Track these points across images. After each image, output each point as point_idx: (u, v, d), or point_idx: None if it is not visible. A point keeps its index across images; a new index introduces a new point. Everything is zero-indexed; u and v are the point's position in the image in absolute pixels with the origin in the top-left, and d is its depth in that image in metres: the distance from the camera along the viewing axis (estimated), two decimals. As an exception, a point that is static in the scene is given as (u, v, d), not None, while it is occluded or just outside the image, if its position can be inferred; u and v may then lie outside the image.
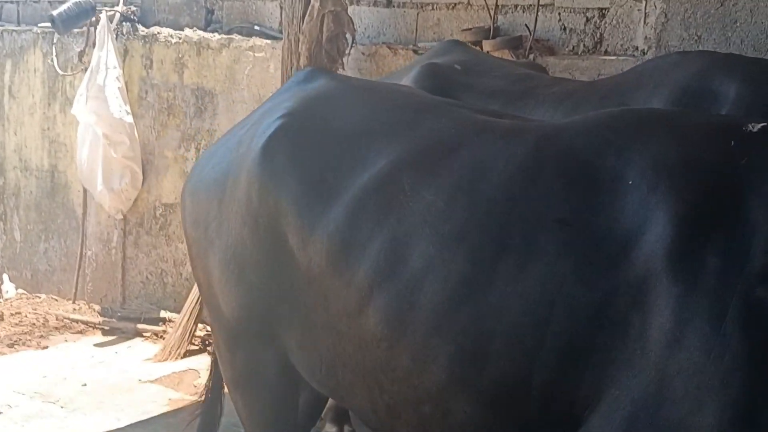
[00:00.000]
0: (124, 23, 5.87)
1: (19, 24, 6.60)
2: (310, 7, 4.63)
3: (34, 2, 6.58)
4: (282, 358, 2.43)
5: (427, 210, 2.04)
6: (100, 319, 5.91)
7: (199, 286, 2.59)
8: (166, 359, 5.28)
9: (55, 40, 6.05)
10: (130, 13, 5.89)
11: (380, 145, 2.19)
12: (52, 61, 6.06)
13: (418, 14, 4.98)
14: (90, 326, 5.85)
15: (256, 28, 5.54)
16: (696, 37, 3.99)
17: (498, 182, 2.00)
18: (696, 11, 3.98)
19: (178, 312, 5.70)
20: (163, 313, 5.85)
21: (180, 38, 5.67)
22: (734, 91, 2.69)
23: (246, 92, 5.41)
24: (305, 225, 2.21)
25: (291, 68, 4.74)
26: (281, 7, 4.81)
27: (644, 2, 4.17)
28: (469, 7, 4.78)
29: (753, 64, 2.89)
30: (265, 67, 5.31)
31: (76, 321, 5.89)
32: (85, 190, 6.03)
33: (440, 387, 2.02)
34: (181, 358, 5.31)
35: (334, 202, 2.17)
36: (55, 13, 5.57)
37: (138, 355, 5.38)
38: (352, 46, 4.77)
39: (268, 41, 5.34)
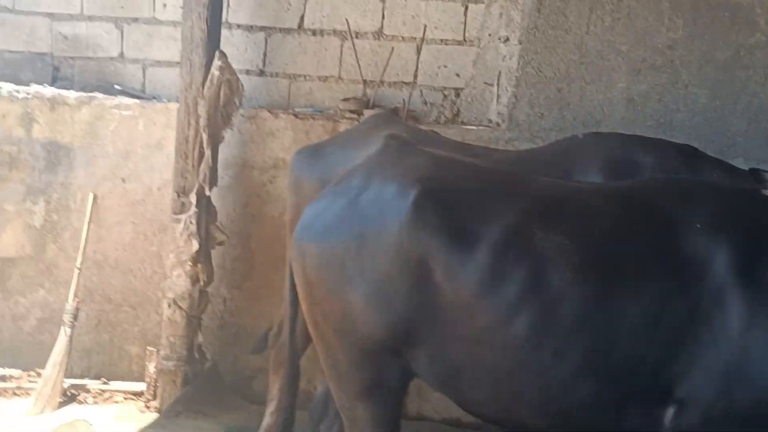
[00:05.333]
0: (-49, 76, 5.75)
1: None
2: (210, 75, 5.13)
3: None
4: (405, 369, 3.12)
5: (558, 247, 2.92)
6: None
7: (325, 316, 3.13)
8: (41, 412, 5.29)
9: None
10: (-42, 65, 5.78)
11: (504, 203, 3.02)
12: None
13: (290, 83, 5.70)
14: None
15: (117, 87, 5.80)
16: (539, 114, 5.26)
17: (606, 228, 2.96)
18: (539, 95, 5.26)
19: (18, 368, 5.71)
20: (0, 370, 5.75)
21: (28, 93, 5.71)
22: (650, 162, 3.90)
23: (110, 148, 5.65)
24: (454, 261, 2.95)
25: (188, 128, 5.20)
26: (181, 73, 5.21)
27: (496, 86, 5.37)
28: (340, 80, 5.63)
29: (655, 142, 4.14)
30: (133, 124, 5.62)
31: None
32: None
33: (572, 372, 2.90)
34: (54, 410, 5.35)
35: (479, 244, 2.95)
36: None
37: (6, 412, 5.29)
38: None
39: (137, 101, 5.66)
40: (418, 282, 3.00)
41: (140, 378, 5.53)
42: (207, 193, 5.21)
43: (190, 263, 5.17)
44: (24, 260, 5.77)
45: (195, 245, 5.14)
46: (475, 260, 2.95)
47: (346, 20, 5.56)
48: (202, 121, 5.16)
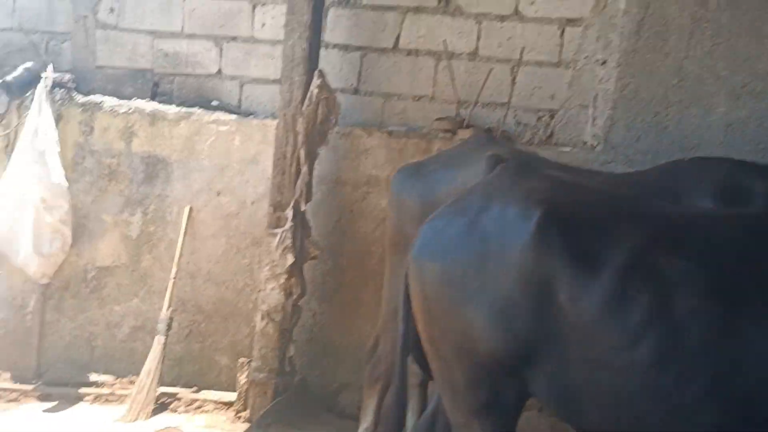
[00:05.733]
0: (57, 89, 5.93)
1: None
2: (309, 93, 5.24)
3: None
4: (522, 389, 3.14)
5: (682, 272, 2.92)
6: (30, 386, 5.80)
7: (443, 333, 3.16)
8: (135, 420, 5.42)
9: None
10: (66, 80, 5.98)
11: (627, 226, 3.03)
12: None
13: (384, 102, 5.79)
14: (22, 394, 5.72)
15: (214, 103, 5.95)
16: (636, 138, 5.26)
17: (732, 254, 2.95)
18: (636, 118, 5.26)
19: (111, 374, 5.86)
20: (93, 377, 5.90)
21: (130, 108, 5.89)
22: (763, 188, 3.87)
23: (207, 162, 5.79)
24: (577, 284, 2.97)
25: (287, 144, 5.31)
26: (280, 91, 5.33)
27: (591, 108, 5.38)
28: (433, 100, 5.70)
29: (764, 168, 4.11)
30: (230, 139, 5.76)
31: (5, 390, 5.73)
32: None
33: (696, 398, 2.89)
34: (148, 417, 5.47)
35: (603, 268, 2.96)
36: (9, 78, 5.56)
37: (101, 418, 5.43)
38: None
39: (233, 116, 5.80)
40: (540, 303, 3.02)
41: (229, 388, 5.64)
42: (302, 208, 5.31)
43: (285, 277, 5.26)
44: (120, 269, 5.94)
45: (290, 259, 5.23)
46: (599, 283, 2.96)
47: (443, 41, 5.63)
48: (300, 138, 5.26)
